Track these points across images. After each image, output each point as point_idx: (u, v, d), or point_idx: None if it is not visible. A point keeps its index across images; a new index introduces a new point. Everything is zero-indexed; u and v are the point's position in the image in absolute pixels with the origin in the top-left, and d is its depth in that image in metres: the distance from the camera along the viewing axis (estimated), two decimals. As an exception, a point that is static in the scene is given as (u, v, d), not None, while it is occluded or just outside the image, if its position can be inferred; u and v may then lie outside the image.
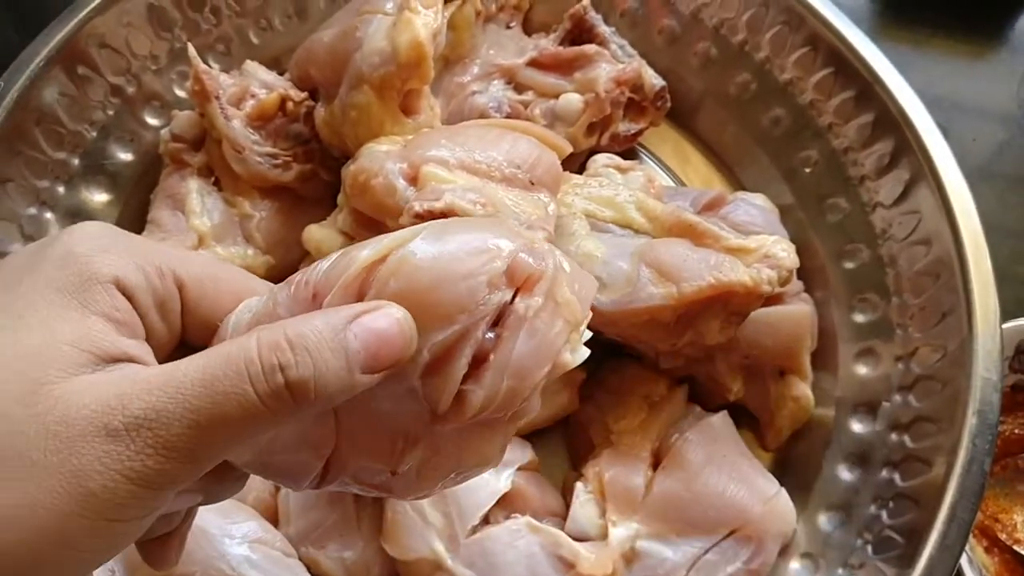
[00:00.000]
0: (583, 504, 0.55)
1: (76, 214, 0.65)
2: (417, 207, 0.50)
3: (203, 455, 0.28)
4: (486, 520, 0.53)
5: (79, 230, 0.32)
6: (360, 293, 0.31)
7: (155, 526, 0.34)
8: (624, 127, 0.68)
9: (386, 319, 0.30)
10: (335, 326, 0.29)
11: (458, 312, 0.30)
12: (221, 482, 0.34)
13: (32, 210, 0.63)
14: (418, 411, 0.31)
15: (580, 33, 0.70)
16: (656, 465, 0.57)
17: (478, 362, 0.31)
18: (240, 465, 0.33)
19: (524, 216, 0.51)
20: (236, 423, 0.28)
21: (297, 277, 0.32)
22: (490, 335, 0.31)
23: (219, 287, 0.34)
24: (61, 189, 0.65)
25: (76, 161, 0.65)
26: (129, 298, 0.31)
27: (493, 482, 0.54)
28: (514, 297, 0.31)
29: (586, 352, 0.33)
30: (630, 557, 0.53)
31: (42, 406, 0.27)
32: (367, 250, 0.31)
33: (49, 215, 0.64)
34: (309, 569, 0.53)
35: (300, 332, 0.29)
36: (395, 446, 0.32)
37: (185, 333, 0.34)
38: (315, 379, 0.28)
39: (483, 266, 0.31)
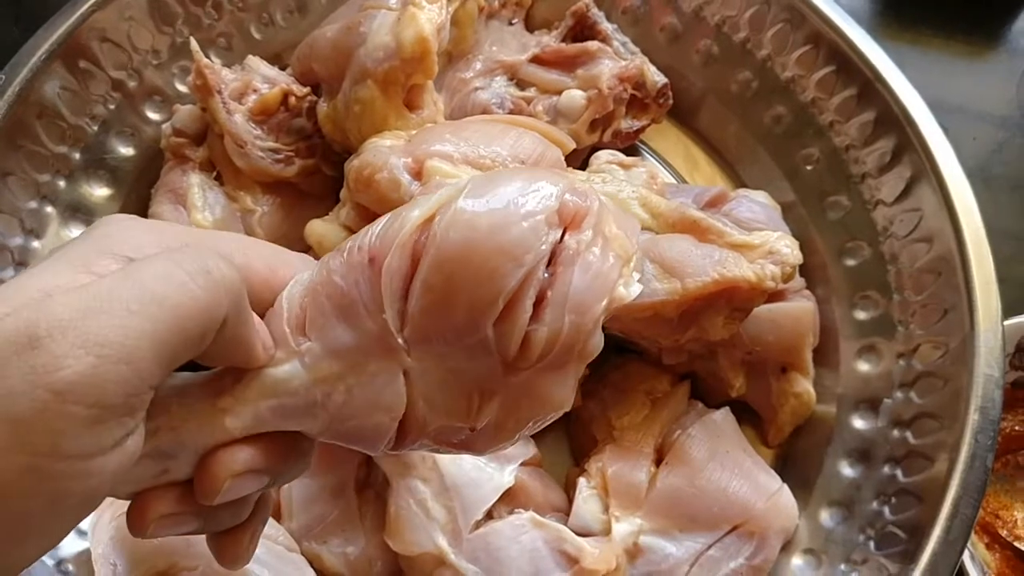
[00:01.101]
0: (586, 499, 0.55)
1: (77, 208, 0.65)
2: (422, 201, 0.50)
3: (141, 352, 0.25)
4: (489, 515, 0.53)
5: (107, 220, 0.31)
6: (416, 251, 0.31)
7: (221, 516, 0.33)
8: (626, 124, 0.68)
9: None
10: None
11: (524, 252, 0.30)
12: (285, 460, 0.33)
13: (33, 204, 0.63)
14: (491, 364, 0.32)
15: (582, 30, 0.70)
16: (659, 461, 0.57)
17: (537, 301, 0.31)
18: (313, 435, 0.33)
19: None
20: (171, 307, 0.26)
21: (348, 243, 0.33)
22: (545, 274, 0.31)
23: (249, 267, 0.33)
24: (62, 183, 0.64)
25: (77, 155, 0.65)
26: None
27: (496, 477, 0.54)
28: (563, 235, 0.32)
29: (639, 287, 0.33)
30: (633, 552, 0.53)
31: None
32: (417, 210, 0.32)
33: (50, 209, 0.64)
34: (312, 564, 0.53)
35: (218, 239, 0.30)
36: (472, 402, 0.33)
37: None
38: (245, 265, 0.29)
39: (537, 205, 0.31)
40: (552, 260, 0.31)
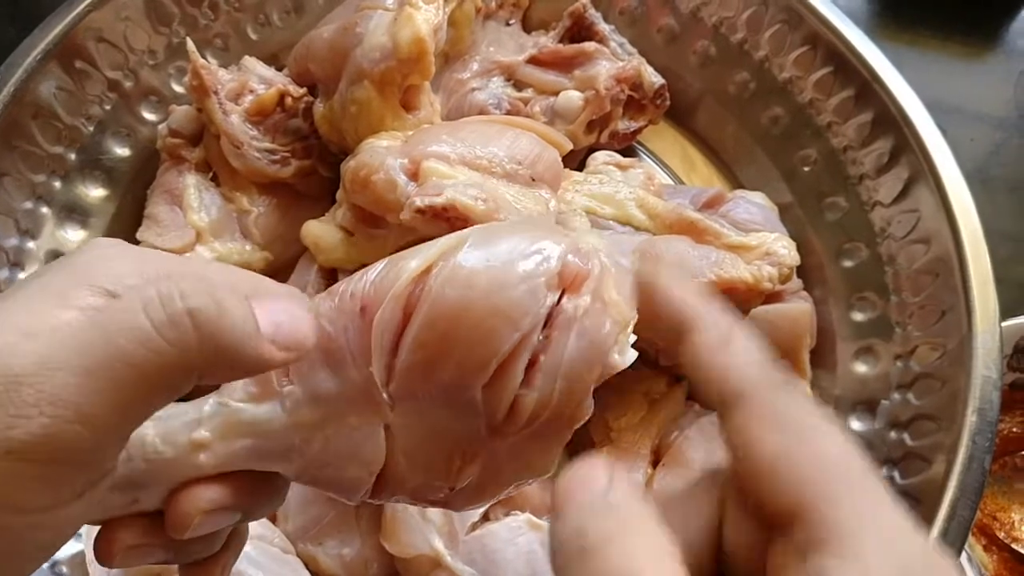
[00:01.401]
0: (583, 501, 0.55)
1: (73, 209, 0.65)
2: (418, 202, 0.49)
3: (99, 410, 0.24)
4: (486, 517, 0.53)
5: (88, 246, 0.30)
6: (410, 304, 0.30)
7: (191, 549, 0.32)
8: (623, 125, 0.68)
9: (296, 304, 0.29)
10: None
11: (521, 316, 0.30)
12: (258, 498, 0.32)
13: (28, 205, 0.62)
14: (475, 426, 0.31)
15: (579, 31, 0.69)
16: (656, 463, 0.56)
17: (529, 365, 0.30)
18: (290, 477, 0.32)
19: (525, 212, 0.51)
20: (134, 365, 0.24)
21: (341, 287, 0.32)
22: (540, 337, 0.30)
23: None
24: (57, 184, 0.64)
25: (73, 156, 0.65)
26: None
27: (493, 479, 0.54)
28: (560, 298, 0.31)
29: (634, 354, 0.32)
30: (630, 554, 0.53)
31: None
32: (415, 260, 0.31)
33: (45, 210, 0.63)
34: (307, 566, 0.53)
35: (200, 272, 0.28)
36: (452, 463, 0.32)
37: None
38: (219, 313, 0.26)
39: (538, 267, 0.30)
40: (548, 323, 0.30)
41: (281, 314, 0.28)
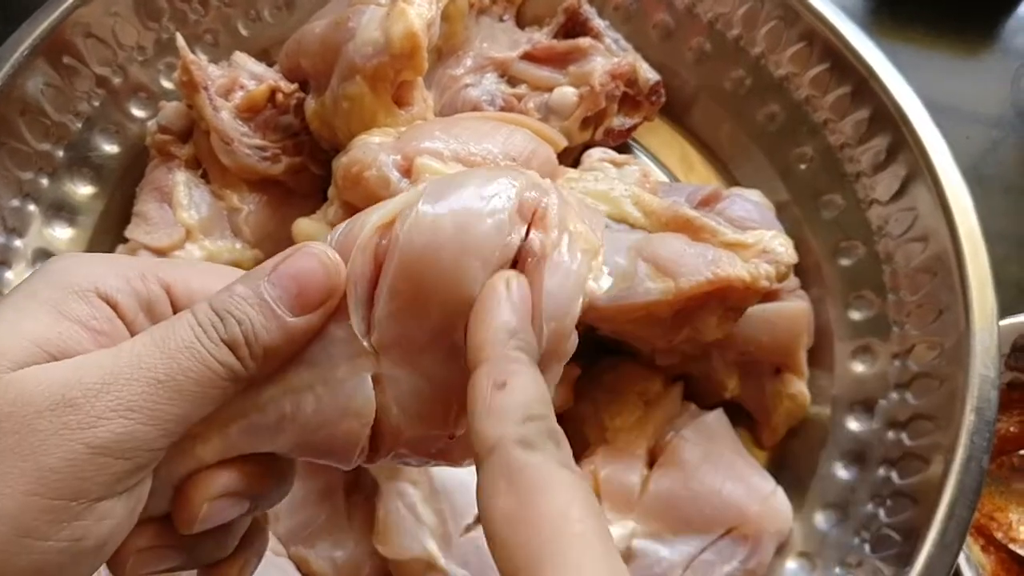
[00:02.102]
0: (578, 502, 0.54)
1: (60, 207, 0.64)
2: (411, 199, 0.49)
3: (167, 415, 0.28)
4: (480, 518, 0.53)
5: (58, 257, 0.32)
6: (379, 255, 0.31)
7: (204, 547, 0.32)
8: (618, 121, 0.67)
9: (304, 258, 0.30)
10: (253, 284, 0.30)
11: (491, 252, 0.30)
12: (263, 482, 0.33)
13: (15, 202, 0.61)
14: (466, 370, 0.30)
15: (574, 26, 0.69)
16: (652, 463, 0.56)
17: None
18: (284, 452, 0.32)
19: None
20: (195, 380, 0.28)
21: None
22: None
23: (206, 281, 0.33)
24: (45, 181, 0.63)
25: (61, 153, 0.64)
26: (113, 306, 0.30)
27: (487, 480, 0.53)
28: (527, 233, 0.31)
29: (610, 279, 0.33)
30: (626, 556, 0.53)
31: None
32: (376, 214, 0.31)
33: (33, 207, 0.62)
34: (299, 568, 0.53)
35: (222, 300, 0.30)
36: (449, 410, 0.32)
37: None
38: (245, 334, 0.29)
39: (499, 203, 0.31)
40: (519, 260, 0.31)
41: (288, 281, 0.30)
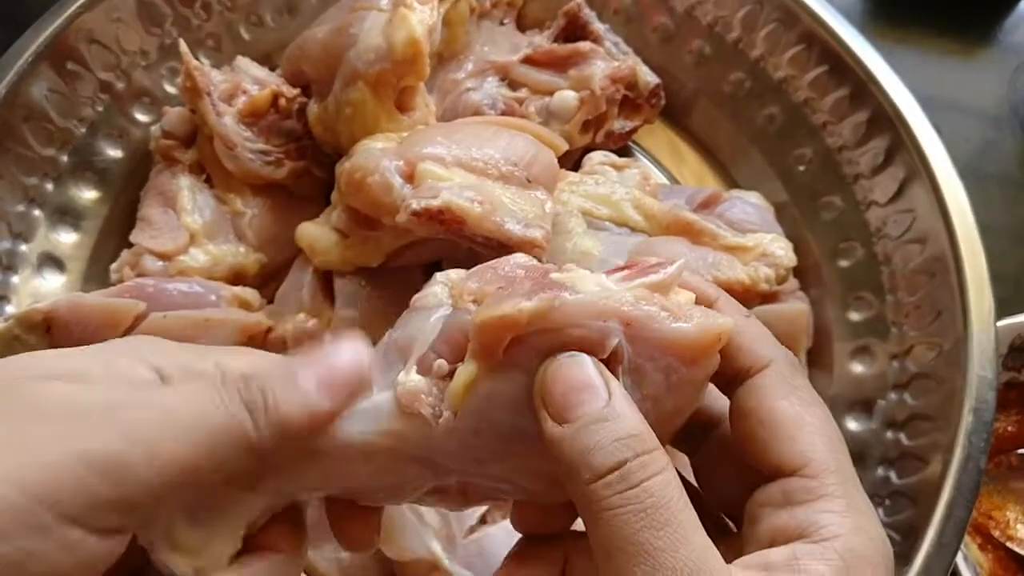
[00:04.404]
0: (580, 503, 0.55)
1: (65, 211, 0.64)
2: (414, 205, 0.49)
3: (168, 452, 0.28)
4: (483, 520, 0.53)
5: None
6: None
7: None
8: (619, 125, 0.68)
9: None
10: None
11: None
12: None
13: (21, 207, 0.62)
14: None
15: (574, 30, 0.69)
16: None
17: None
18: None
19: (521, 214, 0.51)
20: (208, 427, 0.29)
21: None
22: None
23: None
24: (50, 186, 0.64)
25: (65, 158, 0.64)
26: None
27: (490, 482, 0.53)
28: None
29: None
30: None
31: None
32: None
33: (38, 212, 0.63)
34: (304, 570, 0.53)
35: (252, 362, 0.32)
36: None
37: None
38: (265, 398, 0.30)
39: None
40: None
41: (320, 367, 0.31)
